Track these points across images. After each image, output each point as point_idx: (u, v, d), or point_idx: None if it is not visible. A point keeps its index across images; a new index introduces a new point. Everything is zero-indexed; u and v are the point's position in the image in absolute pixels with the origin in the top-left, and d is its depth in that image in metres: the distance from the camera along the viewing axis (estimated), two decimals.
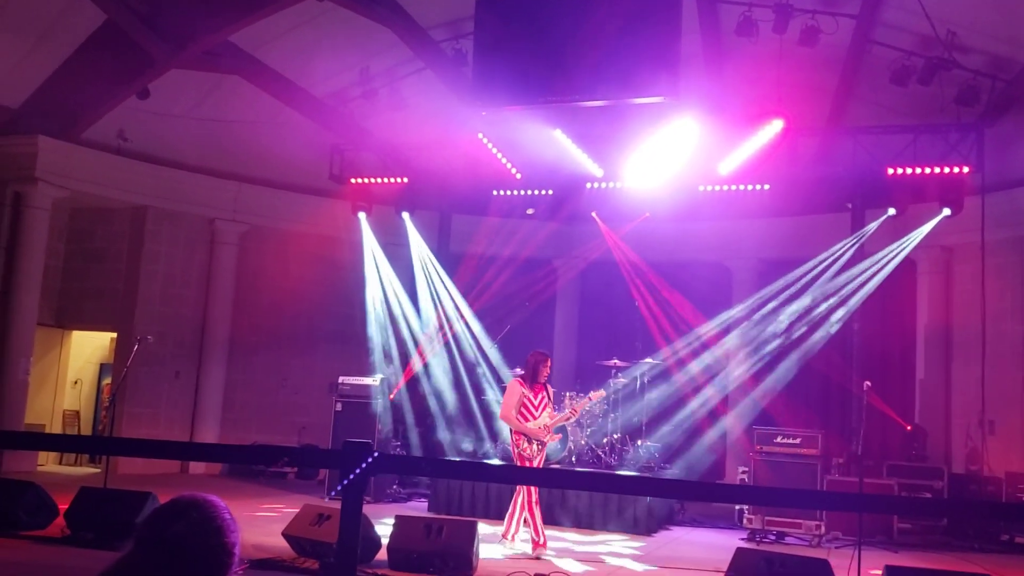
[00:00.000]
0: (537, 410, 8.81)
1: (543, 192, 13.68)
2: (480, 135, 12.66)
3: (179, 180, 14.62)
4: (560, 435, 9.27)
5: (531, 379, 8.93)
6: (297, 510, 8.24)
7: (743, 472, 11.71)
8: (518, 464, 8.76)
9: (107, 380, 15.87)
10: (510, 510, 8.85)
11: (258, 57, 12.72)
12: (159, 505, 2.20)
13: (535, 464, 8.73)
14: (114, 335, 15.19)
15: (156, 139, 14.07)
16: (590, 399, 9.50)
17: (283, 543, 7.98)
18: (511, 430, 8.87)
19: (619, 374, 12.21)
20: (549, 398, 9.00)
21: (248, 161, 14.86)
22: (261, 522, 9.79)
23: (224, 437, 14.91)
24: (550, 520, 10.85)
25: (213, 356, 15.07)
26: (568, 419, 9.25)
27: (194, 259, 15.16)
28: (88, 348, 16.03)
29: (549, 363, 9.08)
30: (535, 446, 8.72)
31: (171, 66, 12.25)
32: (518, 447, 8.75)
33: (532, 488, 8.65)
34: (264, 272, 15.56)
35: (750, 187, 12.61)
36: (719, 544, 9.64)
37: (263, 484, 13.57)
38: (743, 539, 10.53)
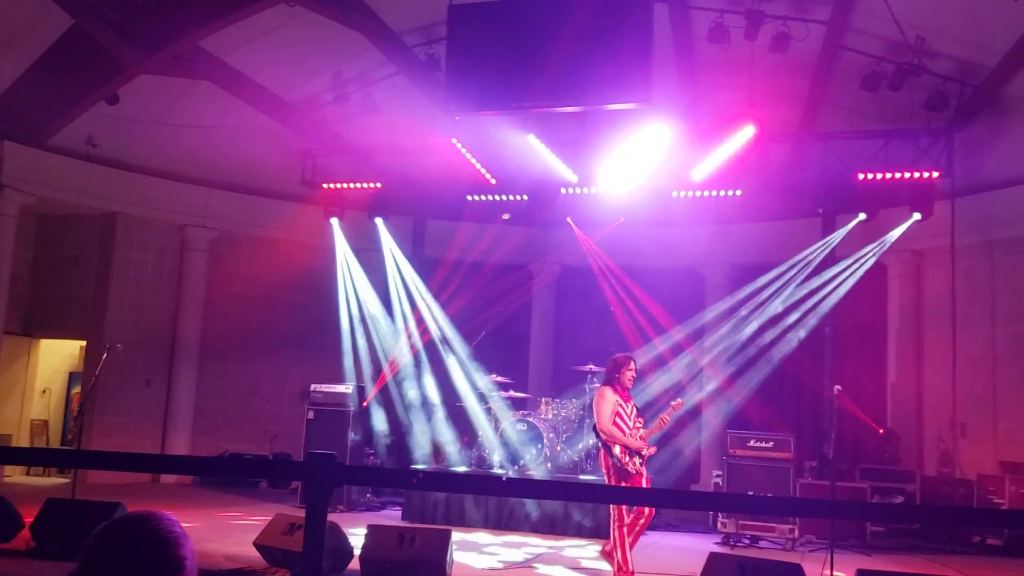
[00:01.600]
0: (631, 419, 7.76)
1: (518, 197, 13.68)
2: (454, 140, 12.62)
3: (149, 186, 14.48)
4: (655, 448, 7.98)
5: (620, 385, 7.87)
6: (269, 519, 8.16)
7: (717, 476, 11.74)
8: (612, 482, 7.65)
9: (76, 389, 15.66)
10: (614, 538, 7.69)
11: (229, 62, 12.61)
12: (109, 520, 2.15)
13: (642, 483, 7.66)
14: (83, 343, 15.01)
15: (126, 145, 13.92)
16: (674, 408, 8.08)
17: (255, 553, 7.89)
18: (605, 443, 7.68)
19: (594, 379, 12.19)
20: (637, 408, 7.98)
21: (219, 167, 14.74)
22: (233, 531, 9.69)
23: (195, 446, 14.75)
24: (525, 527, 10.84)
25: (184, 364, 14.91)
26: (660, 429, 7.92)
27: (165, 266, 15.00)
28: (57, 357, 15.82)
29: (633, 366, 8.01)
30: (636, 460, 7.64)
31: (141, 71, 12.12)
32: (621, 461, 7.58)
33: (625, 509, 7.58)
34: (235, 279, 15.42)
35: (722, 193, 12.68)
36: (694, 548, 9.64)
37: (235, 493, 13.43)
38: (717, 543, 10.56)
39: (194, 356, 15.02)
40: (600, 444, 7.79)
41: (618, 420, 7.68)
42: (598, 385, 12.01)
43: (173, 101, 13.50)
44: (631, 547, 7.53)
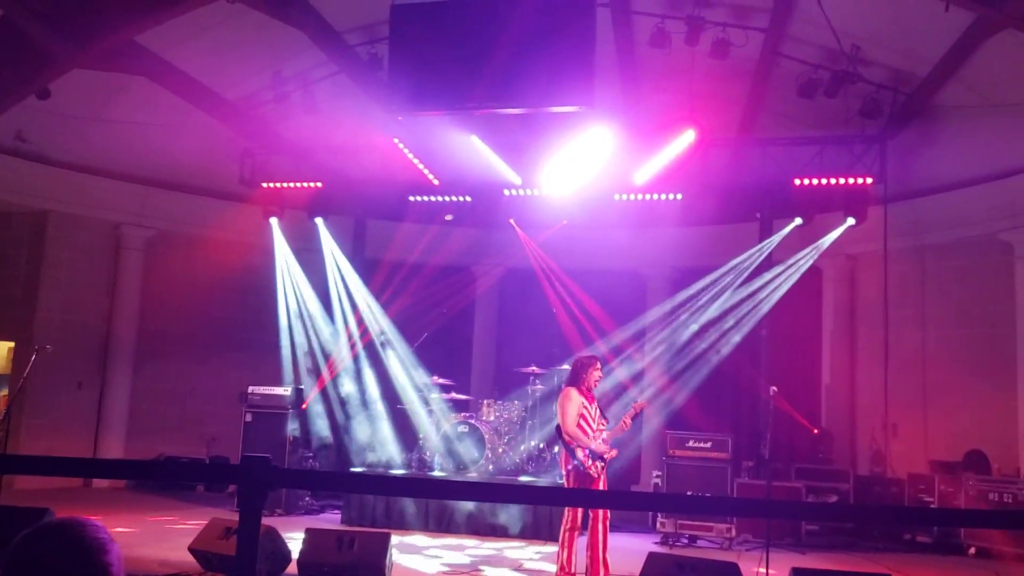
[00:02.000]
0: (595, 422, 7.64)
1: (461, 198, 13.65)
2: (396, 140, 12.56)
3: (83, 183, 14.12)
4: (616, 451, 7.81)
5: (584, 386, 7.75)
6: (205, 523, 8.02)
7: (657, 476, 11.87)
8: (570, 484, 7.56)
9: (3, 391, 15.19)
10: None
11: (167, 58, 12.35)
12: (33, 527, 2.09)
13: (600, 485, 7.55)
14: (11, 344, 14.57)
15: (58, 141, 13.56)
16: (636, 409, 7.96)
17: (189, 558, 7.77)
18: (568, 445, 7.56)
19: (537, 381, 12.24)
20: (601, 409, 7.85)
21: (156, 164, 14.44)
22: (167, 536, 9.51)
23: (130, 449, 14.43)
24: (466, 529, 10.82)
25: (118, 365, 14.58)
26: (623, 431, 7.76)
27: (98, 265, 14.65)
28: None
29: (599, 366, 7.90)
30: (599, 464, 7.55)
31: (73, 66, 11.79)
32: (584, 464, 7.49)
33: (576, 511, 7.56)
34: (172, 278, 15.13)
35: (663, 196, 12.82)
36: (633, 548, 9.70)
37: (171, 497, 13.16)
38: (656, 543, 10.67)
39: (129, 357, 14.69)
40: (563, 445, 7.68)
41: (582, 422, 7.56)
42: (541, 387, 12.14)
43: (108, 97, 13.18)
44: (603, 548, 7.49)
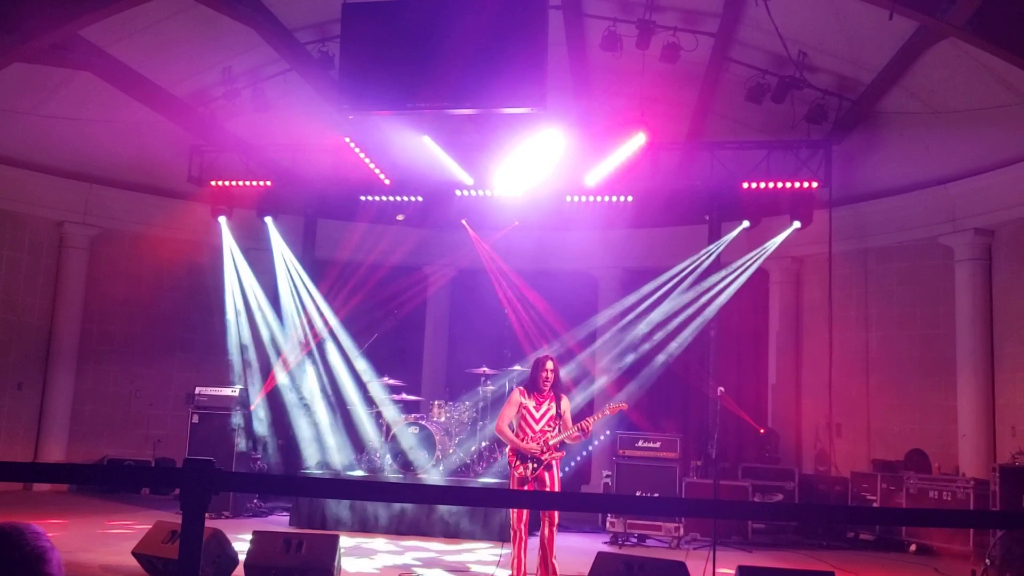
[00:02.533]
0: (538, 423, 7.41)
1: (412, 199, 13.61)
2: (347, 139, 12.48)
3: (24, 180, 13.80)
4: (563, 453, 7.54)
5: (532, 387, 7.54)
6: (149, 527, 7.90)
7: (607, 476, 11.96)
8: (512, 487, 7.46)
9: None
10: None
11: (112, 53, 12.12)
12: None
13: (532, 486, 7.30)
14: None
15: None
16: (610, 412, 7.81)
17: (133, 562, 7.63)
18: (507, 447, 7.55)
19: (488, 381, 12.24)
20: (558, 410, 7.51)
21: (101, 161, 14.17)
22: (110, 540, 9.34)
23: (72, 451, 14.15)
24: (417, 531, 10.79)
25: (60, 366, 14.27)
26: (577, 438, 7.50)
27: (40, 264, 14.33)
28: None
29: (551, 366, 7.56)
30: (530, 465, 7.33)
31: (13, 59, 11.53)
32: (511, 465, 7.42)
33: (520, 512, 7.40)
34: (117, 278, 14.87)
35: (614, 198, 12.92)
36: (582, 548, 9.76)
37: (115, 500, 12.92)
38: (606, 543, 10.74)
39: (72, 358, 14.39)
40: None
41: (522, 423, 7.44)
42: (492, 388, 12.16)
43: (51, 92, 12.89)
44: (550, 551, 7.38)
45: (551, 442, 7.36)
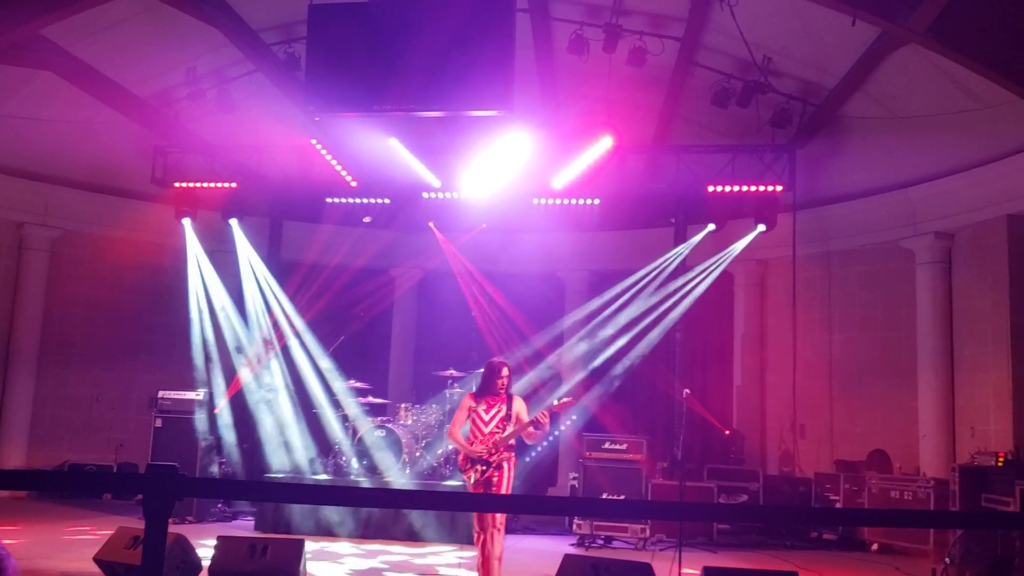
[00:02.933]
0: (487, 425, 7.33)
1: (379, 201, 13.56)
2: (314, 141, 12.42)
3: None
4: (513, 454, 7.37)
5: (483, 391, 7.51)
6: (111, 533, 7.79)
7: (574, 478, 11.99)
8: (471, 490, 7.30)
9: None
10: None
11: (74, 53, 11.96)
12: None
13: (482, 488, 7.18)
14: None
15: None
16: (556, 408, 7.50)
17: (95, 569, 7.52)
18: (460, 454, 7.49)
19: (455, 384, 12.23)
20: (508, 412, 7.38)
21: (62, 162, 13.96)
22: (71, 547, 9.21)
23: (33, 456, 13.91)
24: (384, 535, 10.74)
25: (20, 369, 14.02)
26: (533, 434, 7.35)
27: None
28: None
29: (504, 371, 7.49)
30: (479, 469, 7.22)
31: None
32: (461, 469, 7.40)
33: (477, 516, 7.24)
34: (79, 280, 14.66)
35: (581, 201, 12.97)
36: (549, 551, 9.78)
37: (76, 506, 12.71)
38: (572, 544, 10.77)
39: (32, 361, 14.15)
40: None
41: (473, 427, 7.40)
42: (459, 390, 12.14)
43: (11, 92, 12.68)
44: (481, 565, 7.23)
45: (498, 441, 7.23)
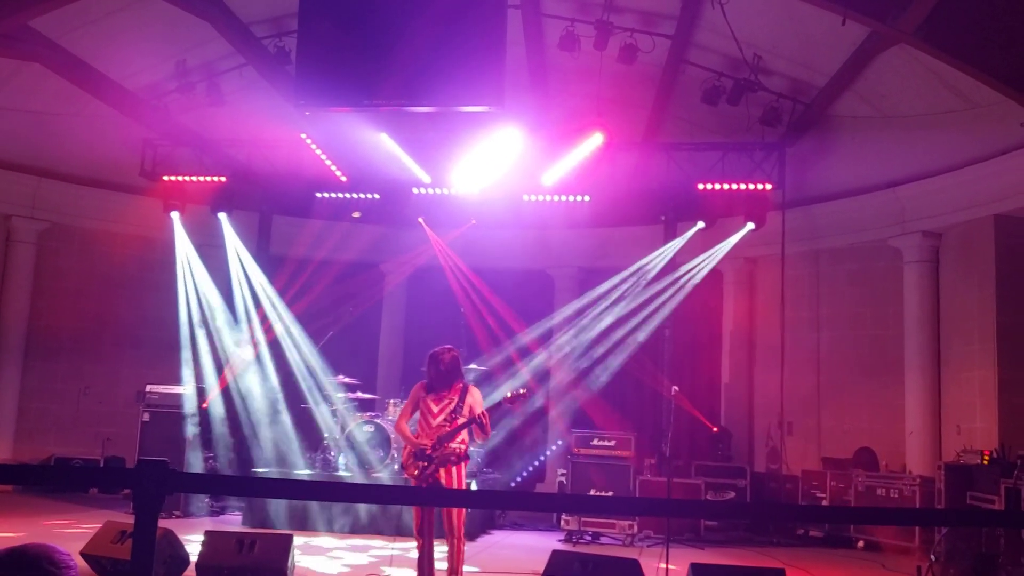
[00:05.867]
0: (435, 418, 6.95)
1: (369, 196, 13.54)
2: (303, 135, 12.38)
3: None
4: (462, 449, 6.98)
5: (432, 382, 7.11)
6: (98, 527, 7.77)
7: (562, 474, 12.01)
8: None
9: None
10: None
11: (63, 44, 11.89)
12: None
13: (455, 483, 6.85)
14: None
15: None
16: (507, 400, 7.18)
17: (82, 563, 7.49)
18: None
19: None
20: (460, 405, 6.97)
21: (50, 155, 13.88)
22: (58, 541, 9.09)
23: (19, 450, 13.83)
24: (373, 530, 10.73)
25: (7, 363, 13.94)
26: (478, 432, 6.99)
27: None
28: None
29: (447, 359, 7.05)
30: (419, 465, 6.86)
31: None
32: (404, 466, 7.04)
33: (420, 513, 6.99)
34: (66, 273, 14.59)
35: (571, 198, 12.98)
36: (537, 546, 9.81)
37: (63, 500, 12.66)
38: (560, 540, 10.79)
39: (18, 355, 14.07)
40: None
41: (421, 420, 7.05)
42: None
43: None
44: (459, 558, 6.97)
45: (444, 436, 6.85)
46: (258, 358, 13.28)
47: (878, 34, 10.24)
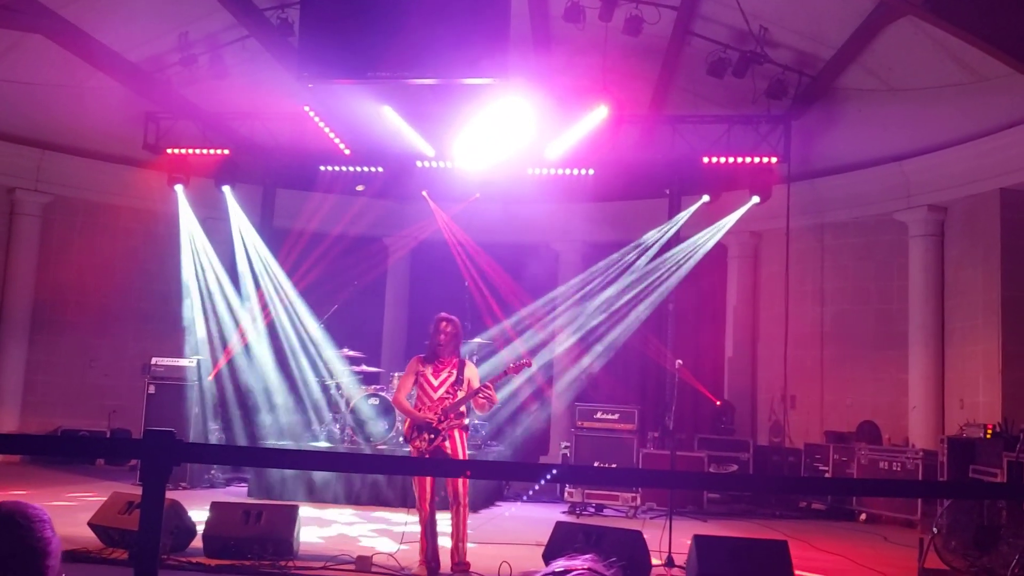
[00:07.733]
0: (436, 391, 6.95)
1: (373, 169, 13.51)
2: (307, 108, 12.33)
3: None
4: (464, 422, 7.08)
5: (430, 354, 7.10)
6: (105, 498, 7.83)
7: (565, 447, 12.06)
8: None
9: None
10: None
11: (65, 16, 11.81)
12: None
13: (459, 455, 6.96)
14: None
15: None
16: (510, 371, 7.21)
17: (89, 533, 7.56)
18: (406, 421, 7.21)
19: None
20: (460, 377, 6.98)
21: (54, 127, 13.85)
22: (66, 512, 9.22)
23: (25, 422, 13.93)
24: (377, 501, 10.80)
25: (12, 336, 14.00)
26: (483, 404, 7.03)
27: None
28: None
29: (443, 326, 7.03)
30: (426, 437, 6.87)
31: None
32: (407, 437, 7.08)
33: (427, 491, 6.99)
34: (71, 246, 14.61)
35: (576, 171, 12.93)
36: (542, 518, 9.86)
37: (69, 471, 12.77)
38: (564, 512, 10.85)
39: (24, 327, 14.13)
40: None
41: (420, 392, 7.04)
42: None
43: (1, 55, 12.56)
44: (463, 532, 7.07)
45: (448, 408, 6.90)
46: (263, 330, 13.31)
47: (885, 5, 10.15)
